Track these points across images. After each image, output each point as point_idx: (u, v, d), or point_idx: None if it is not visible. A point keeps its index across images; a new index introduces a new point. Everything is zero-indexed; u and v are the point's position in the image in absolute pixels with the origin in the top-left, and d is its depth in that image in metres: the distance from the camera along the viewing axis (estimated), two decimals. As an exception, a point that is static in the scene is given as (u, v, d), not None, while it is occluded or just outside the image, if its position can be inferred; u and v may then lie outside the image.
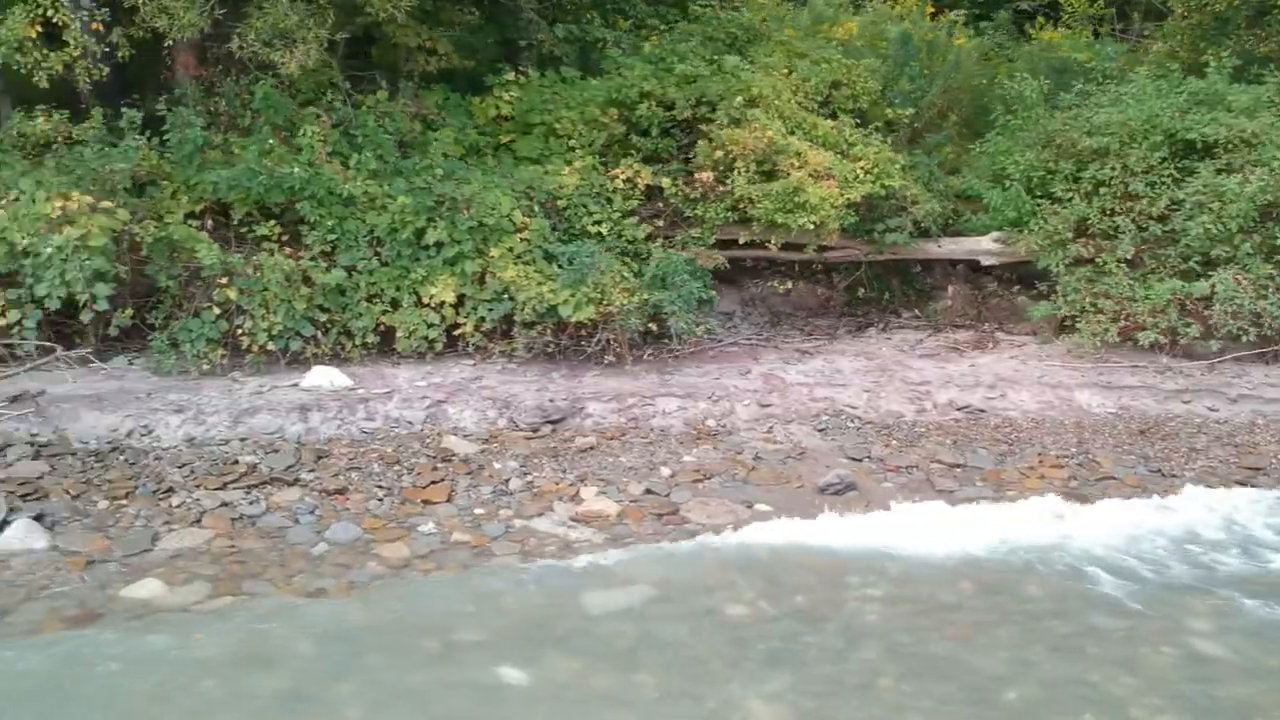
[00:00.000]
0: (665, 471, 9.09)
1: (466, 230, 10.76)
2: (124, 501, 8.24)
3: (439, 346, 10.83)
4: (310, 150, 10.65)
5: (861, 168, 11.45)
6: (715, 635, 6.78)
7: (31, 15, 9.63)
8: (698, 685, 6.18)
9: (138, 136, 10.34)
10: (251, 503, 8.33)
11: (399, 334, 10.69)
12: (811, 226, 10.97)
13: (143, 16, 9.65)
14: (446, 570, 7.50)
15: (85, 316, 9.77)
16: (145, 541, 7.74)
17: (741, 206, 11.47)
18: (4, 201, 10.15)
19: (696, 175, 11.35)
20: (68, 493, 8.30)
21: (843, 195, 10.97)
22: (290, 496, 8.47)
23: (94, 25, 9.83)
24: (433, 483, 8.75)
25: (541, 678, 6.23)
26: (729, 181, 11.28)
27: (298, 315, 10.28)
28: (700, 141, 11.87)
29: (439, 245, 10.74)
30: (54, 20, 9.75)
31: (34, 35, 9.78)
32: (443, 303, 10.73)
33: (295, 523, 8.09)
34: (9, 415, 9.09)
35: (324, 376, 10.15)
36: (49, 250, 9.47)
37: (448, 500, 8.51)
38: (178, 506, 8.20)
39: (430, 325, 10.73)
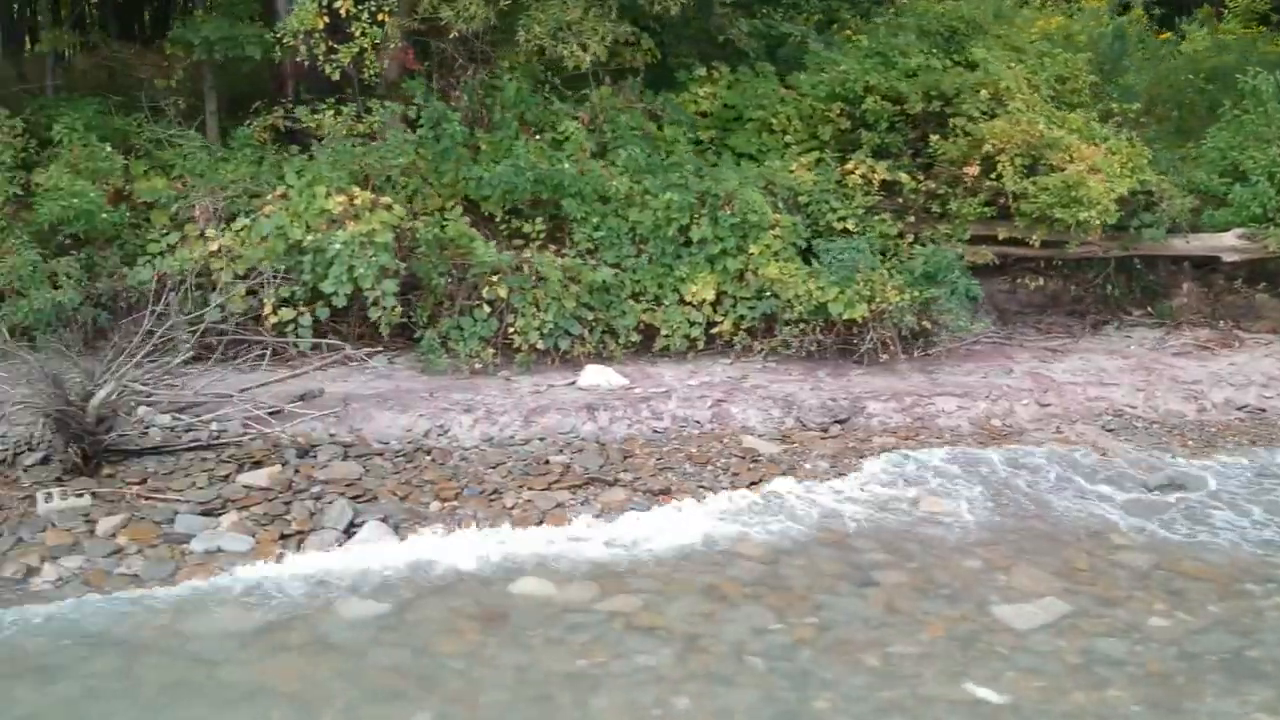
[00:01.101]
0: (986, 471, 8.87)
1: (729, 227, 10.58)
2: (455, 503, 8.08)
3: (700, 345, 10.64)
4: (574, 147, 10.50)
5: (1119, 162, 11.21)
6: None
7: (321, 5, 9.50)
8: None
9: (405, 131, 10.19)
10: (582, 503, 8.16)
11: (662, 332, 10.51)
12: (1095, 221, 10.71)
13: (425, 8, 9.51)
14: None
15: (374, 314, 9.62)
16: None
17: (1000, 202, 11.25)
18: (269, 196, 10.06)
19: (963, 170, 11.12)
20: (394, 494, 8.16)
21: (1112, 190, 10.73)
22: (617, 497, 8.28)
23: (380, 16, 9.69)
24: (752, 484, 8.55)
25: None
26: (993, 176, 11.04)
27: (567, 313, 10.11)
28: (949, 137, 11.61)
29: (701, 242, 10.55)
30: (339, 11, 9.61)
31: (321, 26, 9.65)
32: (703, 301, 10.55)
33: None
34: (311, 416, 8.95)
35: (599, 375, 9.98)
36: (337, 246, 9.33)
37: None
38: (512, 508, 8.03)
39: (693, 324, 10.55)
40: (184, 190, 10.39)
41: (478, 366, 10.00)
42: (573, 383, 9.98)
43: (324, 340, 9.64)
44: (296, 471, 8.35)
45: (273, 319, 9.72)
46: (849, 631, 6.46)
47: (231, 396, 9.08)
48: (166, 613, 6.49)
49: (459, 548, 7.40)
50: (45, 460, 8.38)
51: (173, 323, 9.14)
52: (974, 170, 10.99)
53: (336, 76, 10.09)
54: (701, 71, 13.18)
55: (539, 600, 6.74)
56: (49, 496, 7.93)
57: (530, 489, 8.31)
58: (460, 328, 10.03)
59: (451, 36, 10.07)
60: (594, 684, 5.85)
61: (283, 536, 7.54)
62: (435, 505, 8.05)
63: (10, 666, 5.93)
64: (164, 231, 10.01)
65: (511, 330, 10.07)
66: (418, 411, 9.24)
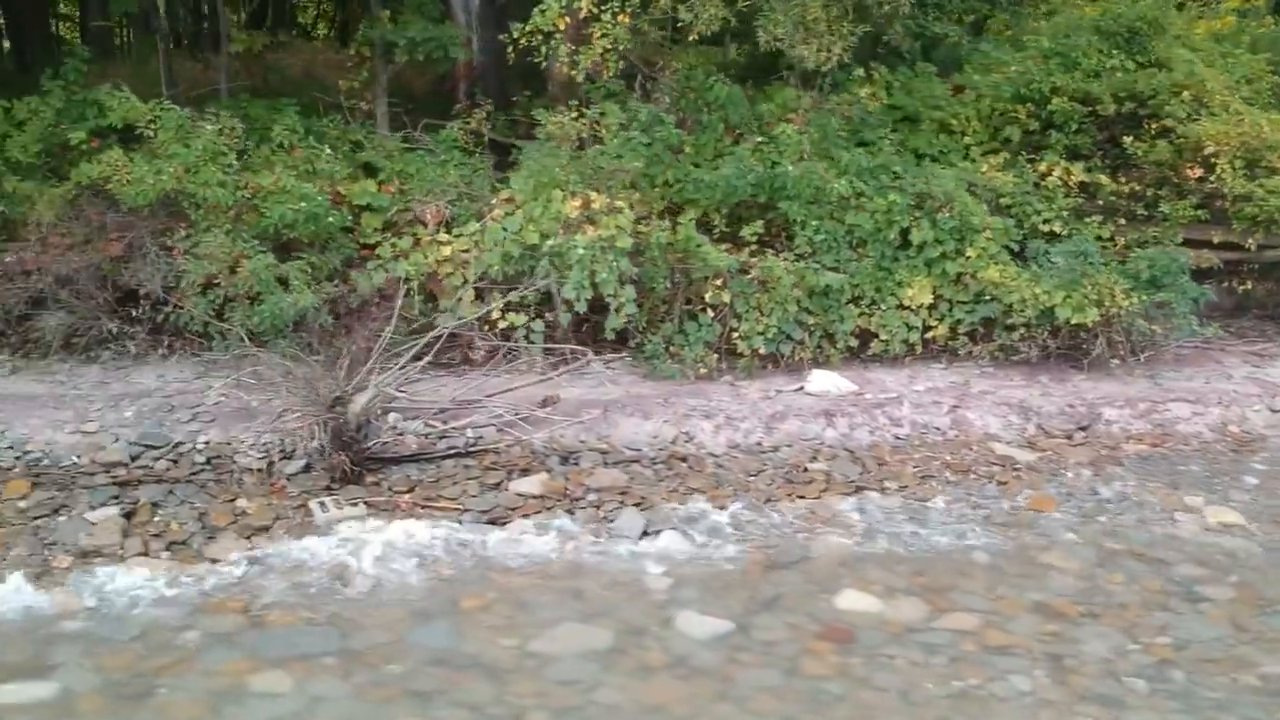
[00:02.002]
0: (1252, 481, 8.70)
1: (948, 230, 10.41)
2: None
3: (918, 349, 10.48)
4: (792, 148, 10.34)
5: (1334, 163, 11.03)
6: None
7: (563, 5, 9.34)
8: None
9: (633, 134, 10.03)
10: (862, 511, 8.01)
11: (881, 336, 10.35)
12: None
13: (662, 8, 9.36)
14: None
15: (614, 321, 9.47)
16: (795, 550, 7.42)
17: (1216, 204, 11.08)
18: (494, 201, 9.94)
19: (1180, 171, 10.94)
20: (668, 501, 8.03)
21: (1338, 192, 10.56)
22: (890, 504, 8.14)
23: (621, 17, 9.53)
24: (1024, 492, 8.38)
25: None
26: (1213, 178, 10.86)
27: (790, 318, 9.96)
28: (1146, 138, 11.43)
29: (921, 246, 10.38)
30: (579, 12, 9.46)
31: (564, 27, 9.51)
32: (920, 305, 10.38)
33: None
34: (567, 422, 8.82)
35: (827, 381, 9.83)
36: (580, 251, 9.18)
37: (1055, 509, 8.14)
38: (792, 517, 7.89)
39: (910, 328, 10.38)
40: (394, 194, 10.26)
41: (702, 372, 9.85)
42: (800, 388, 9.82)
43: (567, 346, 9.48)
44: (566, 479, 8.23)
45: (500, 324, 9.58)
46: (1206, 650, 6.30)
47: (476, 402, 8.96)
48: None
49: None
50: (307, 468, 8.28)
51: (416, 327, 9.02)
52: (1195, 172, 10.81)
53: (580, 78, 9.92)
54: (860, 72, 13.00)
55: (874, 617, 6.58)
56: (324, 506, 7.83)
57: (801, 496, 8.18)
58: (684, 332, 9.89)
59: (691, 39, 9.92)
60: (984, 707, 5.69)
61: (571, 545, 7.42)
62: (715, 514, 7.91)
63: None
64: (387, 236, 9.88)
65: (735, 335, 9.91)
66: (660, 418, 9.10)
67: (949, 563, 7.30)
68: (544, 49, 9.72)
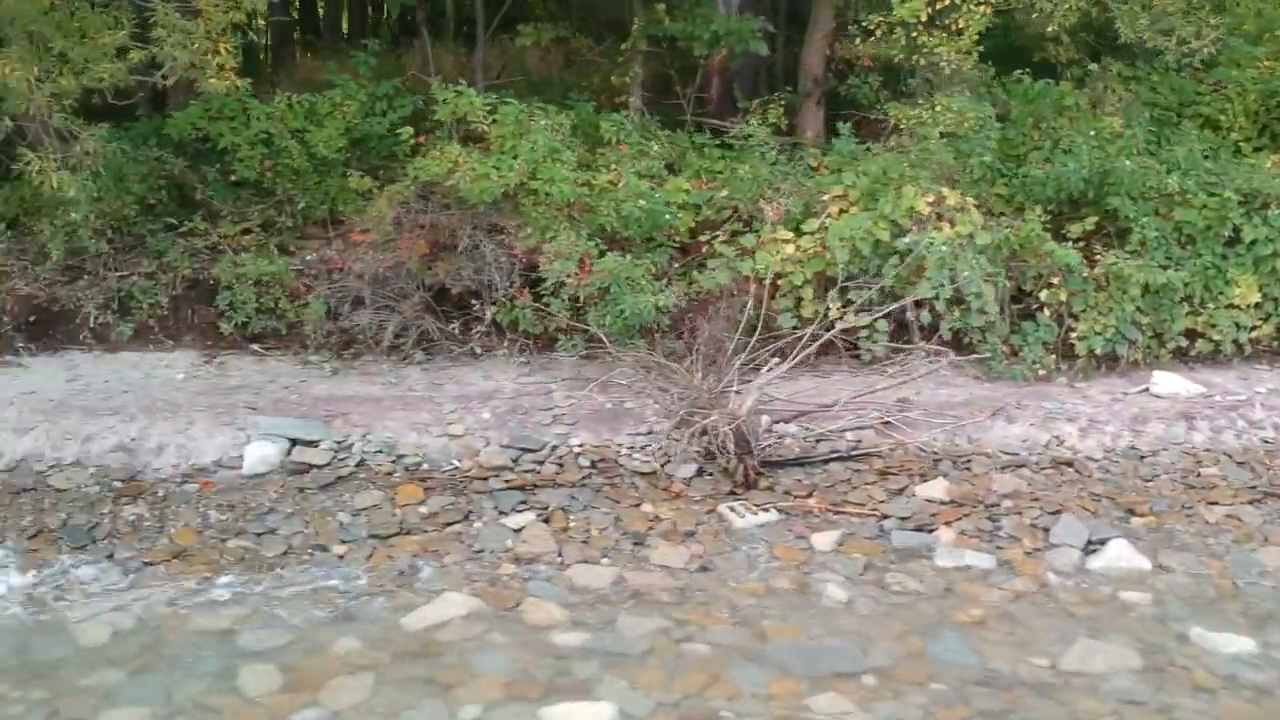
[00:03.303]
0: None
1: (1278, 227, 10.11)
2: (1152, 518, 7.70)
3: (1246, 350, 10.18)
4: (1125, 142, 10.06)
5: None
6: None
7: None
8: None
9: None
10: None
11: (1210, 336, 10.05)
12: None
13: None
14: None
15: (975, 320, 9.20)
16: (1250, 562, 7.15)
17: None
18: (826, 197, 9.69)
19: None
20: (1084, 509, 7.77)
21: None
22: (1314, 513, 7.87)
23: (983, 8, 9.24)
24: None
25: None
26: None
27: (1128, 318, 9.67)
28: None
29: (1252, 243, 10.08)
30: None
31: (925, 16, 9.22)
32: (1248, 304, 10.08)
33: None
34: (944, 426, 8.58)
35: (1174, 382, 9.53)
36: (942, 249, 8.92)
37: None
38: (1217, 523, 7.63)
39: (1240, 328, 10.08)
40: (704, 189, 10.03)
41: (1040, 374, 9.57)
42: (1145, 389, 9.54)
43: (922, 346, 9.21)
44: (969, 484, 7.99)
45: (842, 323, 9.32)
46: None
47: (839, 405, 8.72)
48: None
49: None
50: (699, 473, 8.05)
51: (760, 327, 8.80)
52: None
53: (921, 64, 9.63)
54: (1093, 67, 12.67)
55: None
56: (736, 511, 7.60)
57: (1214, 503, 7.91)
58: (1022, 332, 9.61)
59: (1049, 31, 9.65)
60: None
61: (1024, 554, 7.19)
62: (1136, 521, 7.66)
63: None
64: (714, 235, 9.65)
65: (1074, 335, 9.63)
66: (1025, 421, 8.83)
67: None
68: (900, 39, 9.44)
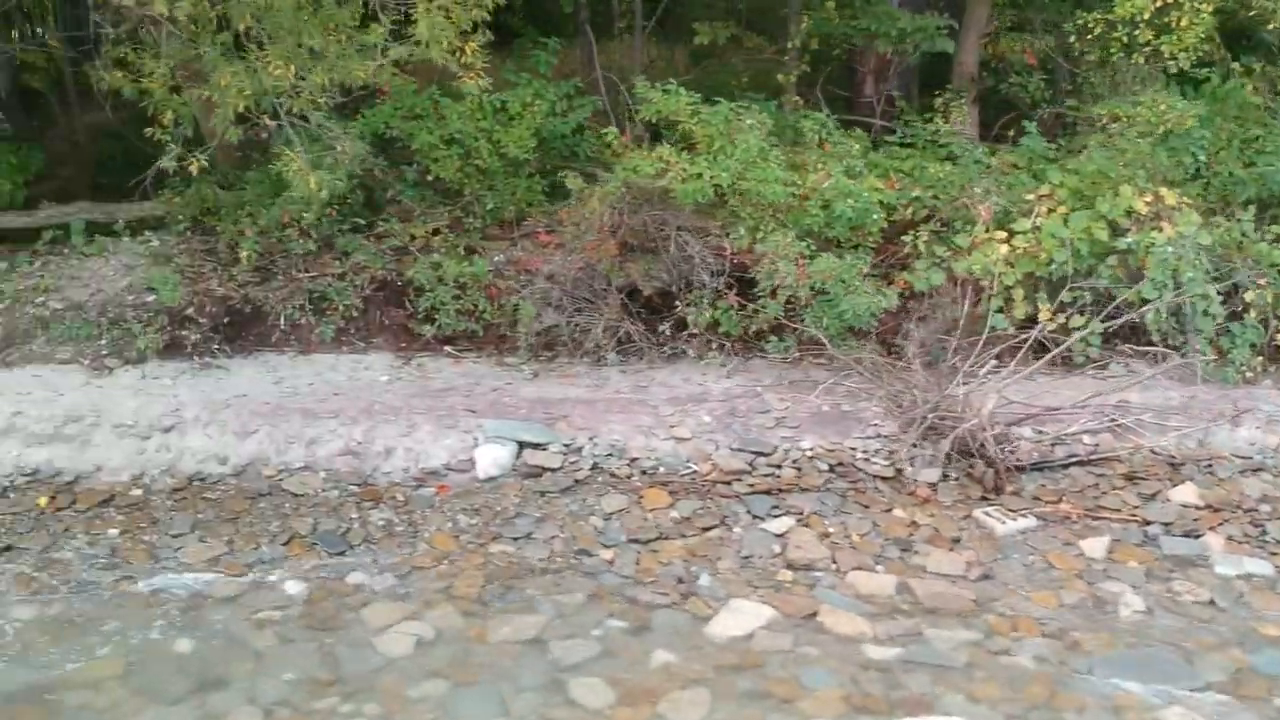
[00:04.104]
0: None
1: None
2: None
3: None
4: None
5: None
6: None
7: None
8: None
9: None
10: None
11: None
12: None
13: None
14: None
15: (1202, 323, 9.06)
16: None
17: None
18: (1031, 197, 9.55)
19: None
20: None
21: None
22: None
23: (1204, 4, 9.07)
24: None
25: None
26: None
27: (1334, 318, 9.53)
28: None
29: None
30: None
31: (1150, 12, 9.07)
32: None
33: None
34: (1182, 429, 8.45)
35: (1384, 385, 9.40)
36: (1168, 250, 8.79)
37: None
38: None
39: None
40: (898, 189, 9.90)
41: (1248, 376, 9.44)
42: (1358, 391, 9.41)
43: (1142, 349, 9.09)
44: (1219, 489, 7.86)
45: (1051, 324, 9.18)
46: None
47: (1059, 408, 8.60)
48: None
49: None
50: (943, 477, 7.93)
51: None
52: None
53: (1141, 61, 9.47)
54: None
55: None
56: (993, 516, 7.49)
57: None
58: (1233, 334, 9.48)
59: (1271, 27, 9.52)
60: None
61: (1306, 563, 7.06)
62: None
63: None
64: (917, 234, 9.52)
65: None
66: (1250, 424, 8.70)
67: None
68: (1122, 37, 9.30)
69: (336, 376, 9.15)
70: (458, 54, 7.27)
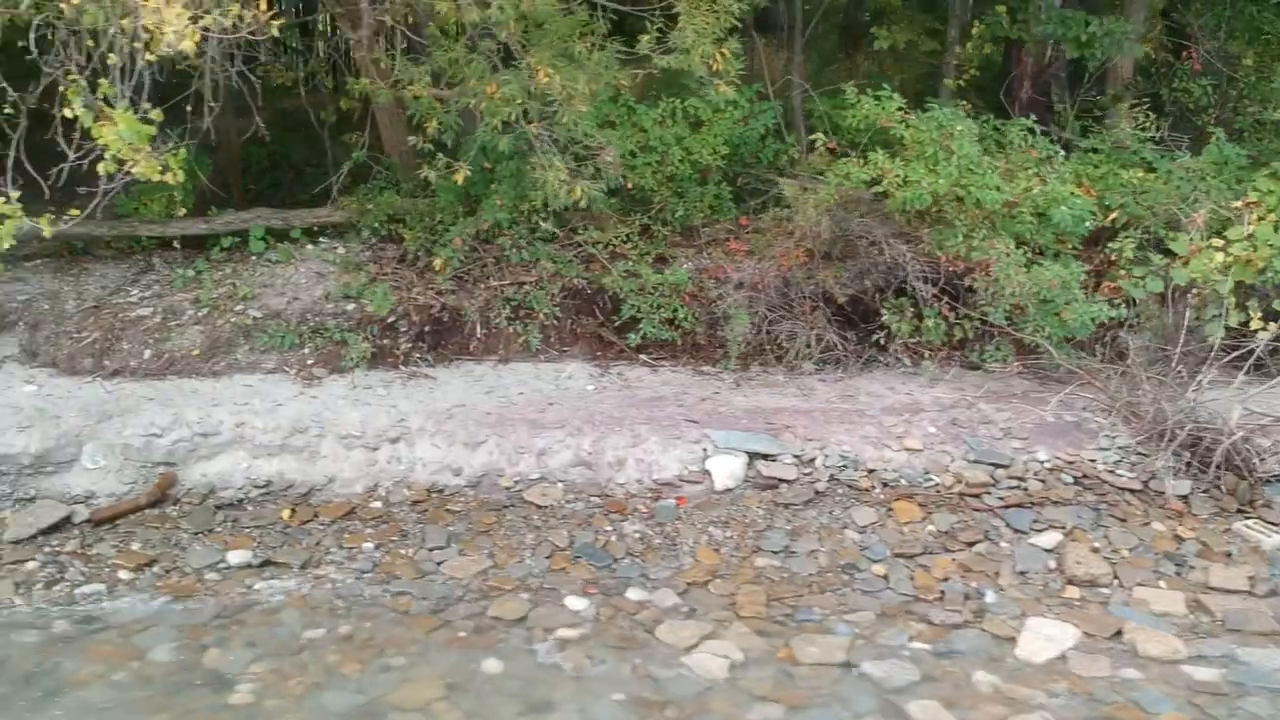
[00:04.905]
0: None
1: None
2: None
3: None
4: None
5: None
6: None
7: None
8: None
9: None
10: None
11: None
12: None
13: None
14: None
15: None
16: None
17: None
18: (1237, 204, 9.43)
19: None
20: None
21: None
22: None
23: None
24: None
25: None
26: None
27: None
28: None
29: None
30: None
31: None
32: None
33: None
34: None
35: None
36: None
37: None
38: None
39: None
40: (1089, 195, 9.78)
41: None
42: None
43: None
44: None
45: (1263, 333, 9.06)
46: None
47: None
48: None
49: None
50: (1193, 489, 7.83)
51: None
52: None
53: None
54: None
55: None
56: (1261, 531, 7.38)
57: None
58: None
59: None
60: None
61: None
62: None
63: None
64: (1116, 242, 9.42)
65: None
66: None
67: None
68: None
69: (544, 385, 9.06)
70: (711, 62, 7.15)
